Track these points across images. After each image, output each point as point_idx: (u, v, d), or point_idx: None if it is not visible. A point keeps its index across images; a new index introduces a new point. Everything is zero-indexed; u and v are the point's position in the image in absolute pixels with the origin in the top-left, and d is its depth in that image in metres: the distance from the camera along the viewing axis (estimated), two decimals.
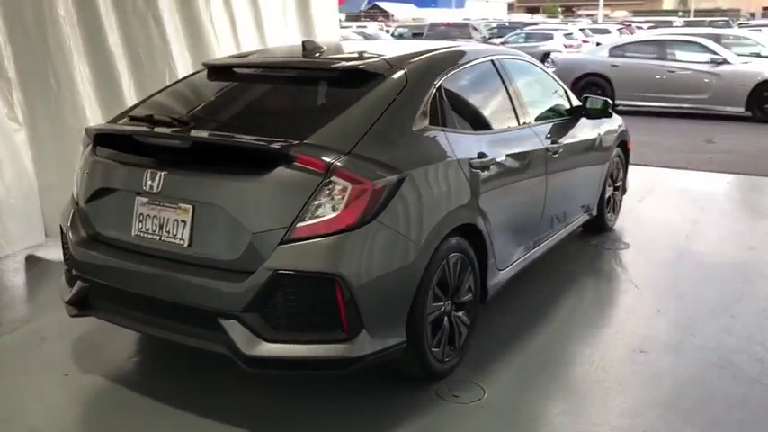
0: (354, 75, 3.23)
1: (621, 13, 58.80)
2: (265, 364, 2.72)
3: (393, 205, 2.81)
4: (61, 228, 3.41)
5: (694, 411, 3.05)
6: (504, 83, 4.02)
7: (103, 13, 5.42)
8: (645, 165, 7.91)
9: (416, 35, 28.05)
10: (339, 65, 3.38)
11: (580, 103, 4.83)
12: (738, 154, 9.16)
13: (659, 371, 3.40)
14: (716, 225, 6.02)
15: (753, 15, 50.82)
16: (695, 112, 12.59)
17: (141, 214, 2.97)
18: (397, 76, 3.24)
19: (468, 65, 3.77)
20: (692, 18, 46.61)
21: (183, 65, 6.01)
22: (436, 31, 27.43)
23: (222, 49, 6.44)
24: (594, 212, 5.17)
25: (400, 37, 27.34)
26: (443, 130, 3.30)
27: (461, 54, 3.82)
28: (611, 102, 4.75)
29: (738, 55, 13.10)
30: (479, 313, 3.50)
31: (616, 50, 13.88)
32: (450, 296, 3.20)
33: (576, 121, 4.73)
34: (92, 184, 3.19)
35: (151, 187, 2.88)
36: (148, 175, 2.89)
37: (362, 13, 60.23)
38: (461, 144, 3.35)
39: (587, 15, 56.68)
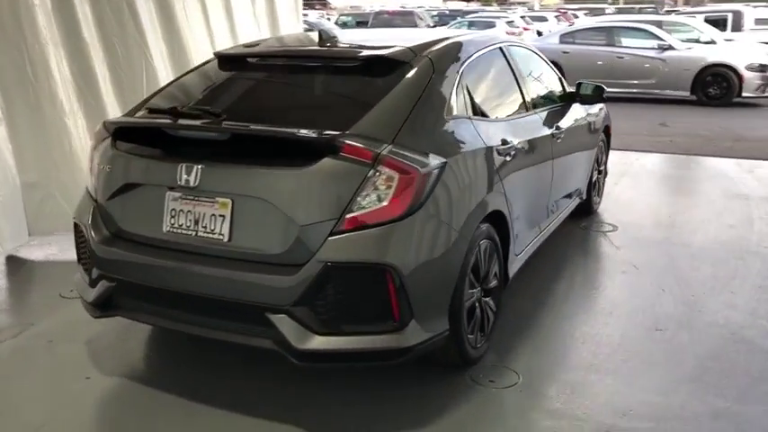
0: (381, 63, 3.19)
1: (554, 0, 59.78)
2: (316, 357, 2.68)
3: (436, 193, 2.80)
4: (76, 226, 3.25)
5: (722, 385, 3.15)
6: (512, 69, 4.06)
7: (77, 2, 5.21)
8: (611, 149, 8.08)
9: (361, 23, 27.90)
10: (364, 53, 3.33)
11: (573, 89, 4.91)
12: (695, 136, 9.51)
13: (679, 347, 3.51)
14: (693, 206, 6.24)
15: (675, 2, 52.48)
16: (644, 97, 12.98)
17: (173, 209, 2.86)
18: (423, 63, 3.22)
19: (482, 52, 3.77)
20: (621, 5, 48.04)
21: (159, 54, 5.83)
22: (380, 20, 27.38)
23: (195, 38, 6.28)
24: (584, 196, 5.29)
25: (344, 25, 27.08)
26: (470, 118, 3.31)
27: (475, 41, 3.82)
28: (603, 87, 4.83)
29: (682, 41, 13.57)
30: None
31: (566, 37, 14.21)
32: (481, 283, 3.22)
33: (569, 106, 4.81)
34: (114, 179, 3.04)
35: (187, 181, 2.77)
36: (183, 169, 2.78)
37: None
38: (488, 131, 3.37)
39: (519, 3, 57.38)
